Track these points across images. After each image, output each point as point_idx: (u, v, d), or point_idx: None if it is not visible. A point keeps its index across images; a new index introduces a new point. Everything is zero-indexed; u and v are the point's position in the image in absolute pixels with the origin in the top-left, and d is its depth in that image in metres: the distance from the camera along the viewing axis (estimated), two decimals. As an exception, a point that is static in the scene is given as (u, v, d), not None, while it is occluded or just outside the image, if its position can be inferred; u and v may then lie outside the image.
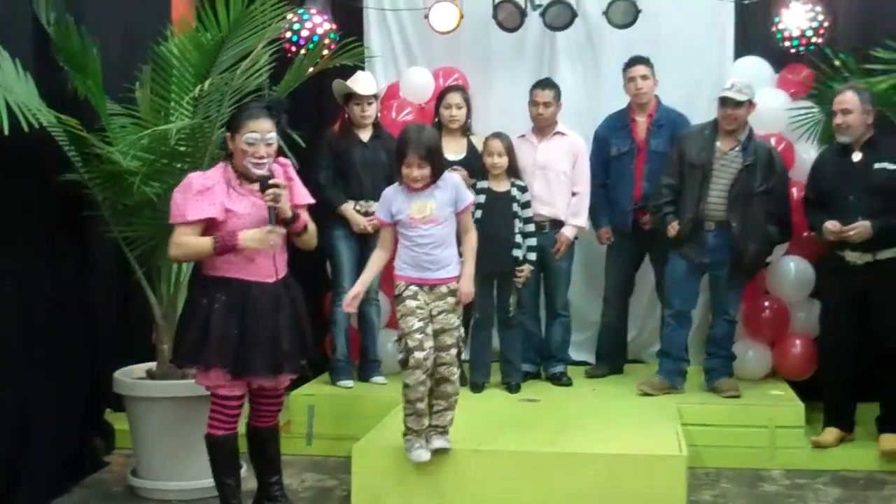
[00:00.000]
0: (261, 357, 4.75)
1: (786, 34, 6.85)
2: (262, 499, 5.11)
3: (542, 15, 7.04)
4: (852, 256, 6.03)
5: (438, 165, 5.05)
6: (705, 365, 6.69)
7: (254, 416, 5.07)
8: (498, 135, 6.51)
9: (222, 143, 4.96)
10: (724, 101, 6.36)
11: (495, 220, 6.45)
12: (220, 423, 4.85)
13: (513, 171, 6.53)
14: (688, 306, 6.63)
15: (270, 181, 4.69)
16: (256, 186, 4.72)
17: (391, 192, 5.14)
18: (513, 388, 6.60)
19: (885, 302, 5.99)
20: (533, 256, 6.55)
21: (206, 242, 4.67)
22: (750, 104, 6.39)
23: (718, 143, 6.44)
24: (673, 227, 6.48)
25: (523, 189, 6.55)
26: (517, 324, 6.67)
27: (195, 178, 4.75)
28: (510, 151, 6.48)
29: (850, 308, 6.11)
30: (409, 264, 5.07)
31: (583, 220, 6.84)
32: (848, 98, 6.04)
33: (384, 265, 5.28)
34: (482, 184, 6.52)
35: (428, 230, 5.01)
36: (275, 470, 5.13)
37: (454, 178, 5.24)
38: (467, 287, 5.10)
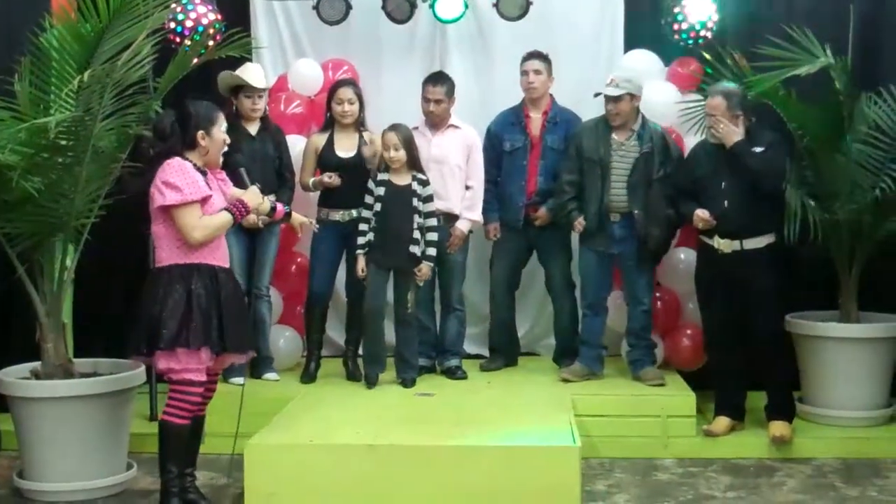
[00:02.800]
0: (235, 335, 4.95)
1: (675, 28, 6.88)
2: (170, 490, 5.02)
3: (432, 6, 6.99)
4: (720, 244, 6.13)
5: None
6: (628, 356, 6.78)
7: None
8: (395, 127, 6.42)
9: (187, 137, 4.95)
10: (606, 98, 6.43)
11: (394, 213, 6.39)
12: (180, 410, 4.92)
13: (413, 163, 6.45)
14: (602, 295, 6.73)
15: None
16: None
17: None
18: (408, 383, 6.54)
19: (752, 291, 6.11)
20: (433, 252, 6.49)
21: (224, 216, 4.91)
22: (632, 97, 6.45)
23: (614, 136, 6.51)
24: (579, 223, 6.56)
25: (424, 183, 6.48)
26: (414, 321, 6.62)
27: (179, 162, 4.86)
28: (408, 144, 6.38)
29: (722, 296, 6.21)
30: None
31: (477, 213, 6.82)
32: (716, 104, 6.15)
33: None
34: (382, 175, 6.44)
35: None
36: (192, 461, 5.16)
37: None
38: None
